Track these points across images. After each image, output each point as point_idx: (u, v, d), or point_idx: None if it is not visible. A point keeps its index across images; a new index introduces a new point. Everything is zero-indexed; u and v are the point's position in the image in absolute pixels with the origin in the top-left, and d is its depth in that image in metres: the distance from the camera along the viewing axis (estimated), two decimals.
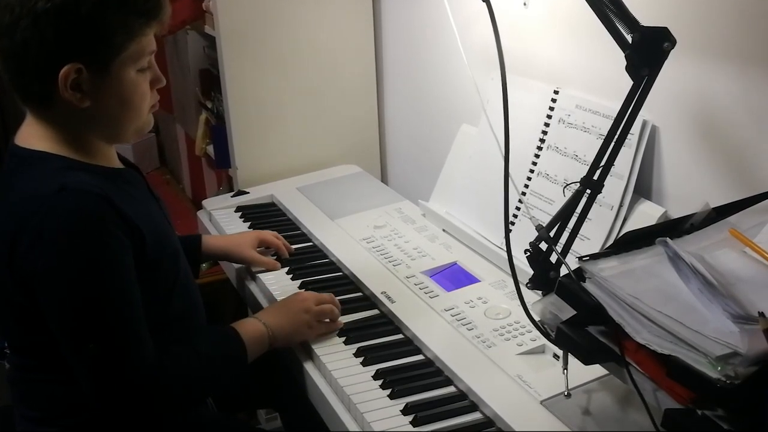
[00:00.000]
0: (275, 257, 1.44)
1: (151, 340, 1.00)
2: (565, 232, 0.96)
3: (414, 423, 0.98)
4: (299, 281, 1.36)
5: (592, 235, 1.21)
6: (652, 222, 1.13)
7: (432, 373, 1.08)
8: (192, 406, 1.12)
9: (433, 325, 1.17)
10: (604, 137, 0.94)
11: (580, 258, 0.86)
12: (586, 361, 0.81)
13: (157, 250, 1.03)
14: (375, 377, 1.08)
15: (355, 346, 1.15)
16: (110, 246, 0.95)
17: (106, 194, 0.96)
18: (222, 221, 1.65)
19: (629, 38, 0.91)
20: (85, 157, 1.02)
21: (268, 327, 1.13)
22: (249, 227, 1.61)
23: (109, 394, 0.97)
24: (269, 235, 1.46)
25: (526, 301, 0.92)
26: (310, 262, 1.44)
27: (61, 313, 0.95)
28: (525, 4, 1.37)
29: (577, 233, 0.97)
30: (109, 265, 0.95)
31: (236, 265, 1.47)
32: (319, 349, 1.15)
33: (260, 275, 1.39)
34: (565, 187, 1.24)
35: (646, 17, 0.92)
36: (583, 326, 0.81)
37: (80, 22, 0.92)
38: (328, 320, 1.19)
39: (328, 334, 1.18)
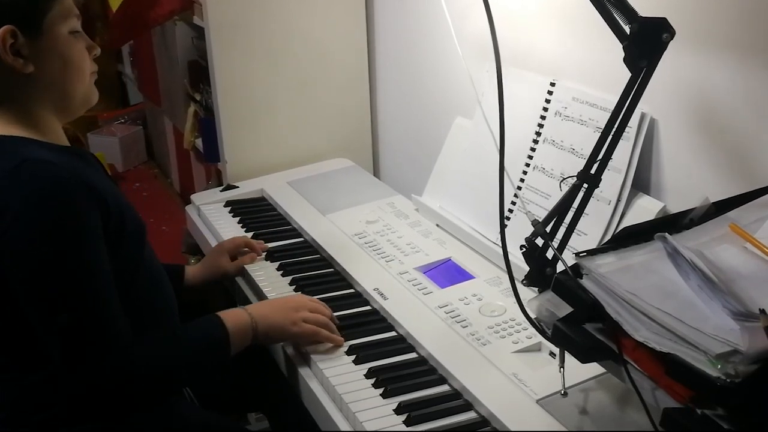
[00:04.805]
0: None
1: (125, 316, 0.97)
2: (561, 227, 0.96)
3: (407, 422, 0.96)
4: (290, 277, 1.34)
5: (590, 231, 1.19)
6: (651, 217, 1.12)
7: (425, 371, 1.07)
8: (168, 395, 1.08)
9: (426, 323, 1.16)
10: (601, 130, 0.93)
11: (577, 254, 0.85)
12: (584, 359, 0.80)
13: (121, 222, 1.01)
14: (367, 376, 1.06)
15: (346, 344, 1.13)
16: (78, 213, 0.94)
17: (68, 165, 0.96)
18: (211, 216, 1.63)
19: (627, 29, 0.90)
20: (40, 135, 1.03)
21: (253, 317, 1.10)
22: (238, 222, 1.59)
23: (81, 371, 0.94)
24: (237, 239, 1.43)
25: (521, 297, 0.91)
26: (301, 258, 1.42)
27: (31, 284, 0.93)
28: None
29: (574, 228, 0.96)
30: (79, 232, 0.94)
31: None
32: (310, 347, 1.13)
33: (252, 273, 1.37)
34: (561, 181, 1.22)
35: (644, 8, 0.90)
36: (580, 324, 0.80)
37: None
38: (315, 325, 1.13)
39: (316, 343, 1.13)
